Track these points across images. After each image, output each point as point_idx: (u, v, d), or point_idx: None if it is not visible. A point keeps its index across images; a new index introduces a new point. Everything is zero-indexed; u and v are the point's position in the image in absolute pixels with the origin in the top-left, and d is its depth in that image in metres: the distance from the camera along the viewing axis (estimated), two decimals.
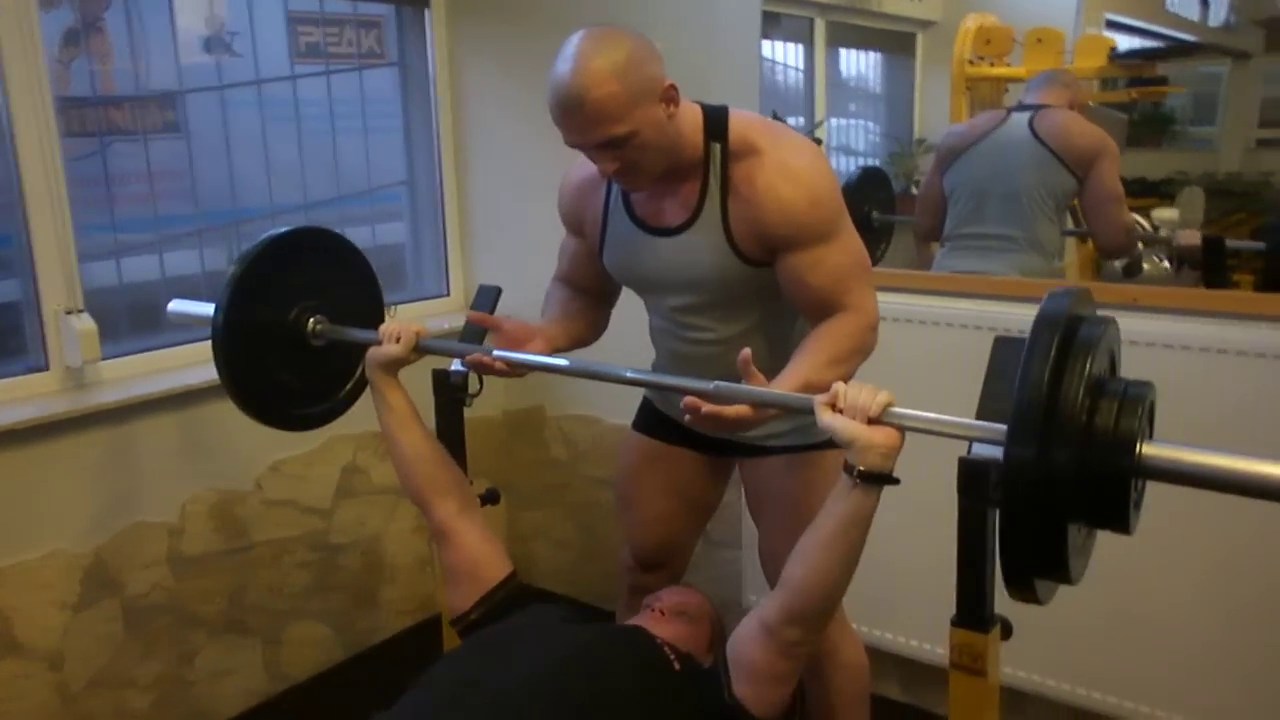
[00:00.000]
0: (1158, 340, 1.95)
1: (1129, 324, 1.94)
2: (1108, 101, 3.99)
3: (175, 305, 1.97)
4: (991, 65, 3.50)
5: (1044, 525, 1.13)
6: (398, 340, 1.72)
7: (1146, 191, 3.40)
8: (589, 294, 1.85)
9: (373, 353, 1.74)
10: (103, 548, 2.19)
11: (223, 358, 1.76)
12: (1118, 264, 3.28)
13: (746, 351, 1.42)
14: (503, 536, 3.10)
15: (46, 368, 2.15)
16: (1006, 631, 1.45)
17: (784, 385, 1.48)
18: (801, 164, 1.54)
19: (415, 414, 1.75)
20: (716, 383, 1.44)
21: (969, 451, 1.44)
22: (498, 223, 2.96)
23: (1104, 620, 2.07)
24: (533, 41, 2.74)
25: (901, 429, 1.31)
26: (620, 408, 2.28)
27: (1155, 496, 1.94)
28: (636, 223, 1.65)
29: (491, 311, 2.10)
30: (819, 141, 4.06)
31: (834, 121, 4.54)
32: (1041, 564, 1.17)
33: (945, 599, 1.44)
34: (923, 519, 1.87)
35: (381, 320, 1.90)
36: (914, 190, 4.78)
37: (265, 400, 1.85)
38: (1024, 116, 2.80)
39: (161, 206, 2.43)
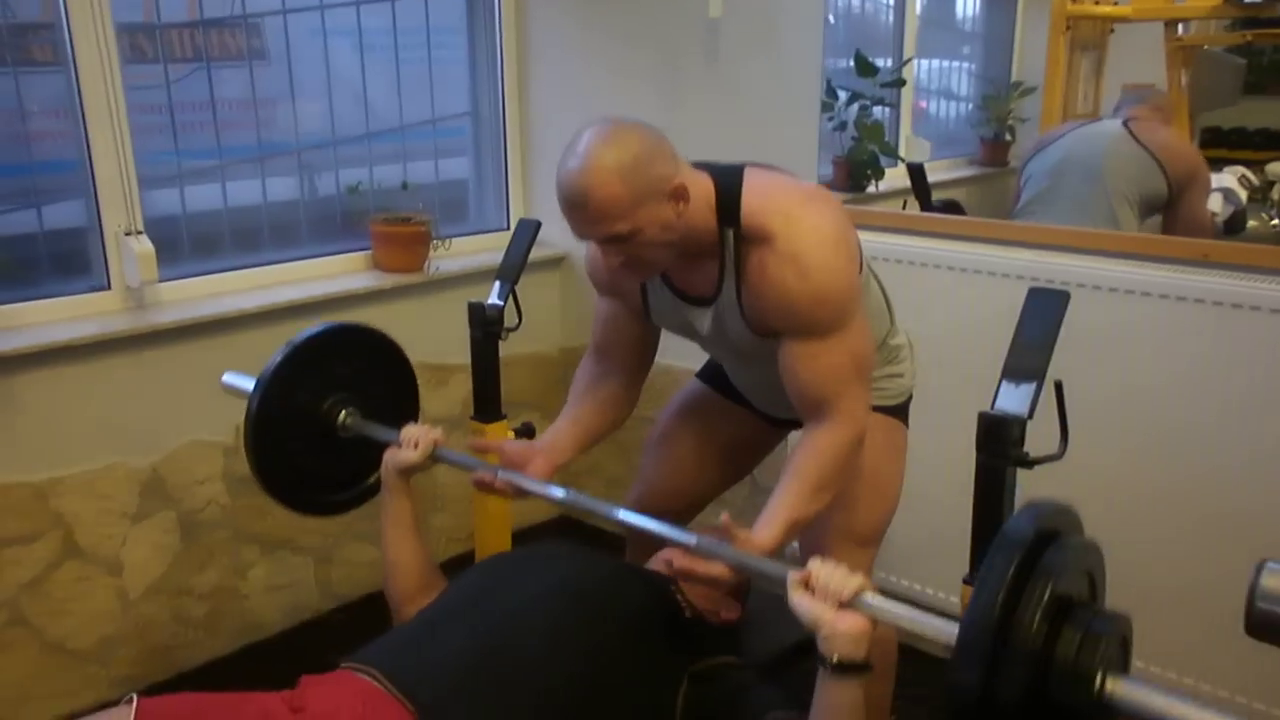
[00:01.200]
0: (1227, 300, 1.82)
1: (1198, 281, 1.86)
2: (1222, 45, 3.74)
3: (227, 377, 1.97)
4: (1096, 3, 3.31)
5: None
6: (415, 447, 1.73)
7: (1271, 143, 3.18)
8: (621, 369, 1.80)
9: (389, 455, 1.75)
10: (160, 463, 2.28)
11: (252, 442, 1.78)
12: (1219, 219, 3.10)
13: (725, 516, 1.41)
14: (555, 473, 3.13)
15: (108, 287, 2.24)
16: None
17: (771, 527, 1.46)
18: (813, 257, 1.45)
19: (414, 522, 1.75)
20: (698, 537, 1.42)
21: (992, 405, 1.39)
22: (558, 157, 2.93)
23: (1138, 588, 1.98)
24: None
25: (872, 619, 1.23)
26: (676, 349, 2.26)
27: (1196, 465, 1.84)
28: (675, 292, 1.63)
29: (529, 247, 2.11)
30: (902, 83, 3.90)
31: (925, 62, 4.36)
32: None
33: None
34: (966, 475, 1.81)
35: (414, 415, 1.91)
36: (1006, 137, 4.58)
37: (290, 485, 1.86)
38: (1117, 119, 2.70)
39: (232, 135, 2.47)
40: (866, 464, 1.62)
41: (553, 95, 2.90)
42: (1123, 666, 1.08)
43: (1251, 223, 2.97)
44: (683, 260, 1.55)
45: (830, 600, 1.23)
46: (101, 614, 2.24)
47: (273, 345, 2.40)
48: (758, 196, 1.50)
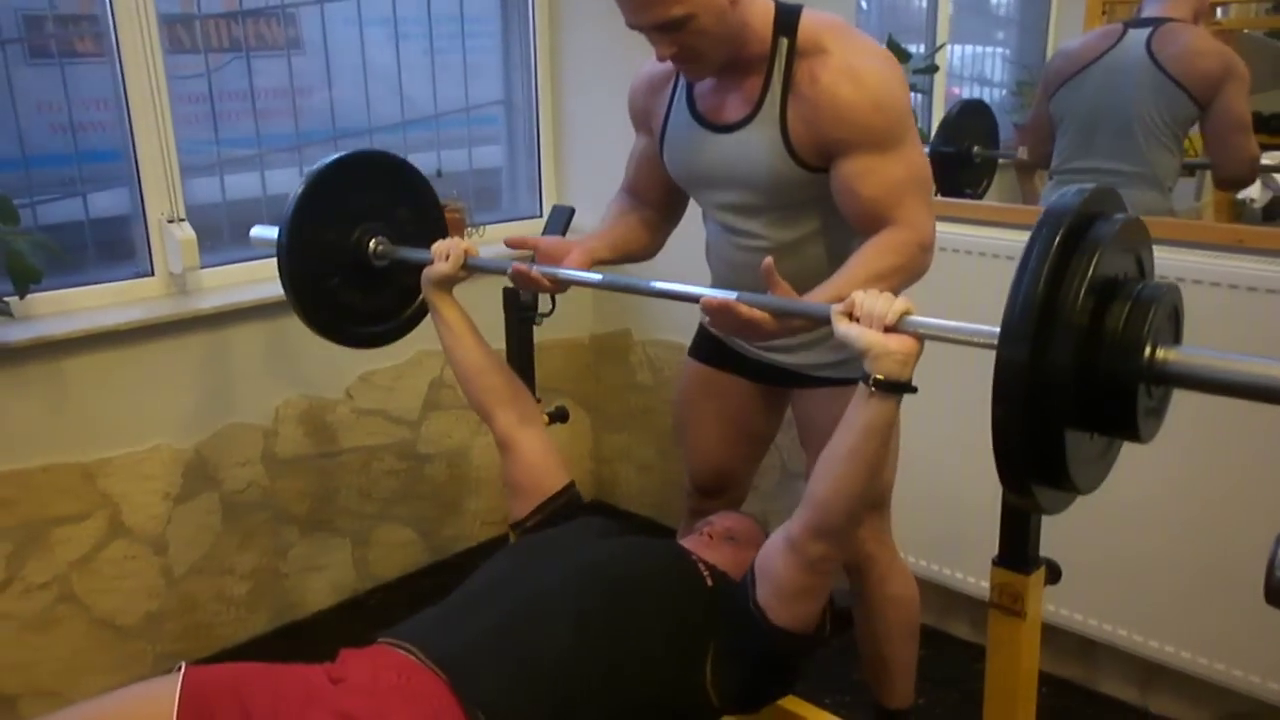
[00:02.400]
0: (1261, 285, 1.81)
1: (1233, 266, 1.85)
2: (1264, 29, 3.68)
3: (256, 231, 2.01)
4: None
5: (1039, 430, 1.07)
6: (447, 258, 1.76)
7: None
8: (650, 205, 1.83)
9: (426, 271, 1.79)
10: (202, 444, 2.34)
11: (287, 276, 1.81)
12: (1257, 204, 3.05)
13: (769, 260, 1.39)
14: (587, 458, 3.17)
15: (152, 273, 2.29)
16: (1055, 575, 1.41)
17: (820, 291, 1.44)
18: (869, 66, 1.47)
19: (471, 327, 1.80)
20: (739, 294, 1.42)
21: None
22: (591, 144, 2.96)
23: (1182, 573, 1.98)
24: None
25: (919, 337, 1.27)
26: (684, 329, 2.27)
27: (1196, 430, 1.83)
28: (697, 117, 1.63)
29: (564, 233, 2.13)
30: (935, 69, 3.88)
31: (958, 48, 4.33)
32: (1039, 470, 1.11)
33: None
34: (983, 453, 1.82)
35: (442, 235, 1.93)
36: None
37: (330, 318, 1.90)
38: (1141, 35, 2.57)
39: (267, 124, 2.52)
40: None
41: (585, 83, 2.92)
42: (1174, 337, 1.11)
43: None
44: (723, 78, 1.56)
45: (876, 324, 1.26)
46: (147, 591, 2.30)
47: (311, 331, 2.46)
48: (814, 18, 1.53)
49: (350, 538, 2.66)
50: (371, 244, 1.87)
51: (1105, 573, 2.04)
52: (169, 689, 1.28)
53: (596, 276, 1.66)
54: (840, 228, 1.62)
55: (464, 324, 1.80)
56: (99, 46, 2.18)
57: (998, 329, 1.11)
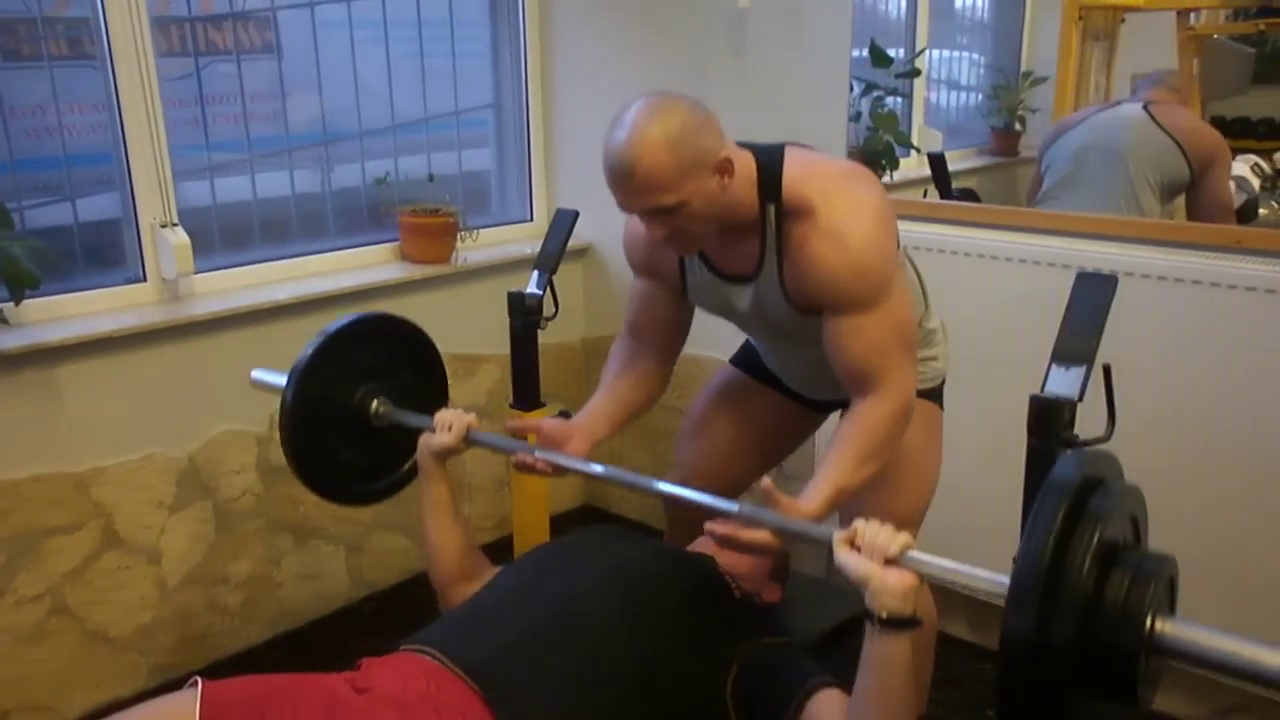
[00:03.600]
0: (1260, 285, 1.84)
1: (1231, 267, 1.88)
2: (1233, 34, 3.75)
3: (256, 374, 1.98)
4: None
5: (1043, 696, 1.09)
6: (449, 430, 1.74)
7: (1273, 133, 3.20)
8: (655, 348, 1.81)
9: (424, 440, 1.77)
10: (195, 453, 2.30)
11: (287, 430, 1.79)
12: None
13: (767, 481, 1.41)
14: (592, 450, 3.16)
15: (144, 279, 2.25)
16: None
17: (816, 495, 1.46)
18: (853, 231, 1.47)
19: (453, 506, 1.77)
20: (740, 505, 1.43)
21: (1043, 388, 1.42)
22: (582, 148, 2.95)
23: (1193, 568, 2.01)
24: None
25: (920, 575, 1.26)
26: (698, 339, 2.26)
27: (1258, 440, 1.86)
28: (714, 271, 1.64)
29: (568, 237, 2.12)
30: (917, 73, 3.91)
31: (936, 53, 4.37)
32: None
33: (1017, 539, 1.41)
34: (993, 457, 1.84)
35: (444, 403, 1.92)
36: (1017, 127, 4.58)
37: (324, 473, 1.88)
38: (1137, 103, 2.69)
39: (254, 128, 2.49)
40: (905, 448, 1.63)
41: (576, 87, 2.91)
42: (1169, 608, 1.12)
43: (1262, 210, 2.99)
44: (723, 237, 1.56)
45: (876, 557, 1.25)
46: (140, 603, 2.26)
47: (305, 336, 2.41)
48: (798, 172, 1.51)
49: (344, 545, 2.63)
50: (374, 405, 1.86)
51: None
52: (188, 706, 1.25)
53: (600, 469, 1.65)
54: None
55: (449, 503, 1.76)
56: (87, 49, 2.14)
57: (1001, 579, 1.13)
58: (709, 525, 1.42)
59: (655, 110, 1.43)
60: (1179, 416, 1.98)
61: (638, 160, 1.41)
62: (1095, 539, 1.06)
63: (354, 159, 2.70)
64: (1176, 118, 2.63)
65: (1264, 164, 3.04)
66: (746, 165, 1.52)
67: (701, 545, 1.73)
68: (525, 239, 2.95)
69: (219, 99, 2.42)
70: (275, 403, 2.40)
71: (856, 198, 1.50)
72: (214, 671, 2.36)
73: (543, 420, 1.73)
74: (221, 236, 2.44)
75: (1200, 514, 1.97)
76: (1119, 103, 2.79)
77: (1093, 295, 1.40)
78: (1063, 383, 1.36)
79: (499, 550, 2.79)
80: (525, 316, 2.03)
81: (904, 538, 1.27)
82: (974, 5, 4.67)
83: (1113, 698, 1.13)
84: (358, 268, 2.61)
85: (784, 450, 1.98)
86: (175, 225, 2.24)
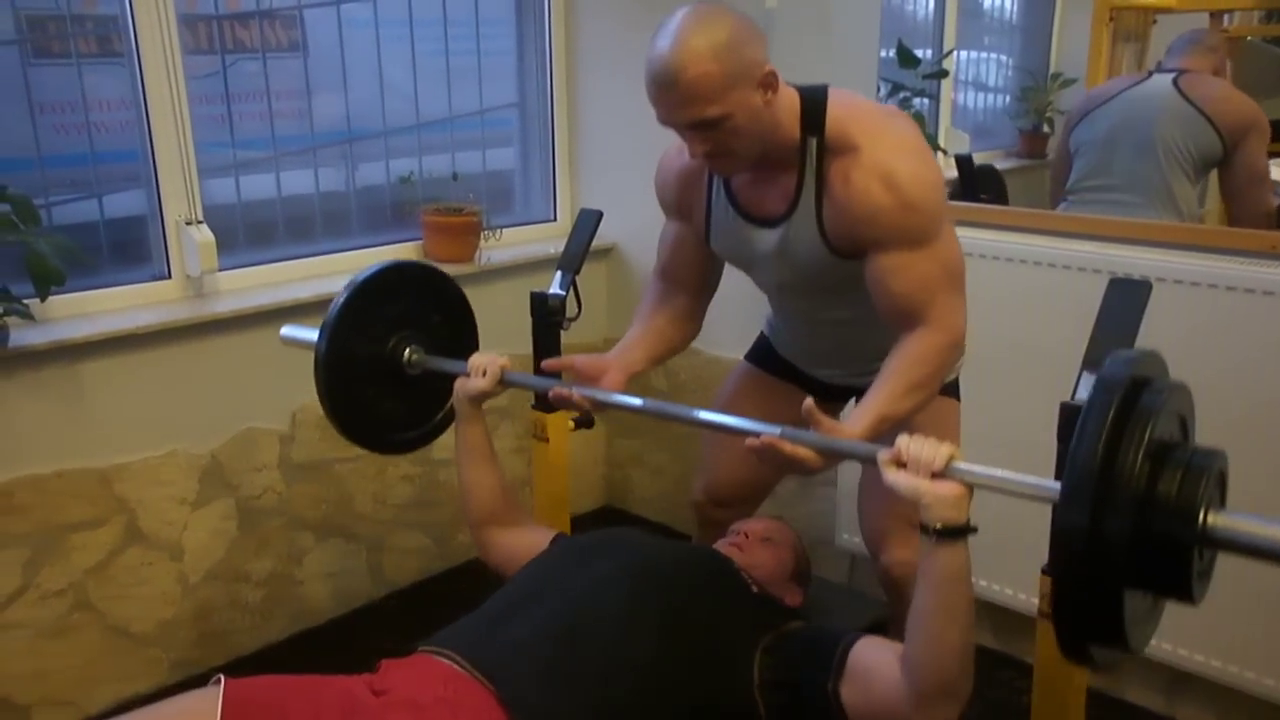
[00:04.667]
0: None
1: (1266, 272, 1.85)
2: (1267, 37, 3.70)
3: (286, 330, 2.02)
4: None
5: (1098, 592, 1.09)
6: (484, 374, 1.75)
7: None
8: (687, 289, 1.80)
9: (460, 384, 1.79)
10: (218, 450, 2.31)
11: (323, 382, 1.81)
12: None
13: (809, 401, 1.38)
14: (600, 463, 3.15)
15: (169, 276, 2.26)
16: None
17: (860, 420, 1.44)
18: (900, 166, 1.45)
19: (488, 449, 1.80)
20: (783, 428, 1.41)
21: (1073, 394, 1.39)
22: (606, 148, 2.94)
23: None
24: None
25: (967, 485, 1.26)
26: (722, 340, 2.25)
27: (1270, 449, 1.83)
28: (740, 211, 1.62)
29: (591, 236, 2.11)
30: (944, 74, 3.88)
31: (964, 54, 4.33)
32: (1096, 631, 1.13)
33: (1039, 547, 1.39)
34: (1023, 464, 1.81)
35: (475, 349, 1.93)
36: (1045, 129, 4.54)
37: (361, 424, 1.90)
38: (1167, 77, 2.62)
39: (279, 125, 2.49)
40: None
41: (602, 87, 2.90)
42: (1220, 501, 1.13)
43: None
44: (758, 174, 1.55)
45: (924, 471, 1.26)
46: (162, 598, 2.27)
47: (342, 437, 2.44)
48: (842, 111, 1.50)
49: (365, 544, 2.63)
50: (406, 353, 1.88)
51: None
52: (210, 704, 1.25)
53: (638, 402, 1.63)
54: None
55: (485, 446, 1.80)
56: (115, 47, 2.15)
57: (1052, 483, 1.14)
58: (749, 441, 1.40)
59: (701, 19, 1.40)
60: (1216, 423, 1.94)
61: (682, 70, 1.38)
62: (1147, 435, 1.07)
63: (378, 157, 2.70)
64: (1207, 89, 2.56)
65: None
66: (790, 97, 1.51)
67: (721, 547, 1.72)
68: (549, 239, 2.94)
69: (245, 97, 2.43)
70: (299, 400, 2.43)
71: (902, 136, 1.49)
72: (235, 668, 2.36)
73: (576, 357, 1.73)
74: (246, 234, 2.44)
75: None
76: (1150, 74, 2.70)
77: (1125, 301, 1.37)
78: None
79: None
80: (548, 317, 2.02)
81: (949, 449, 1.26)
82: (1003, 6, 4.63)
83: (1167, 593, 1.16)
84: None
85: None
86: (200, 223, 2.24)
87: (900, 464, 1.28)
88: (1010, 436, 2.10)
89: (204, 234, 2.22)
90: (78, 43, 2.13)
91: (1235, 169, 2.52)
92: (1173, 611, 2.01)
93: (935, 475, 1.25)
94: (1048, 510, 1.44)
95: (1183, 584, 1.10)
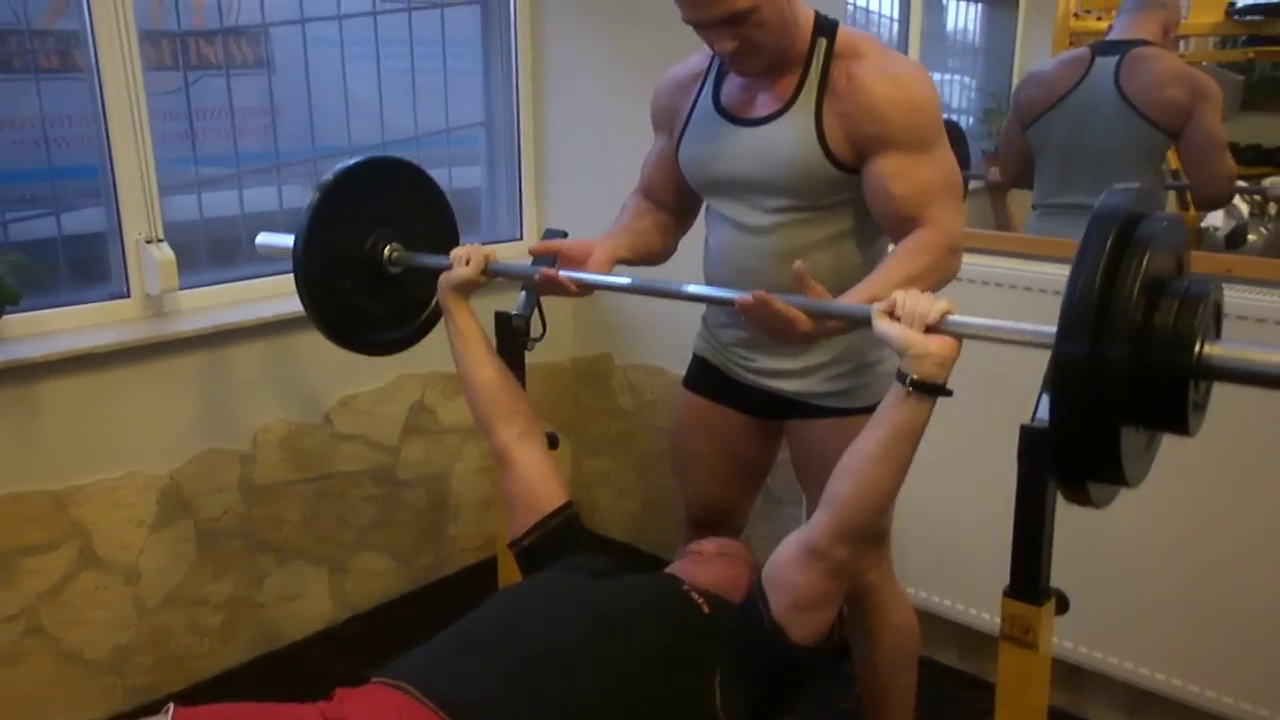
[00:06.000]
0: (1250, 314, 1.84)
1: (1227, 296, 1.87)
2: (1223, 62, 3.77)
3: (262, 238, 2.02)
4: (1099, 19, 3.32)
5: (1095, 424, 1.11)
6: (467, 263, 1.75)
7: (1262, 159, 3.21)
8: (665, 208, 1.83)
9: (444, 276, 1.78)
10: (178, 471, 2.27)
11: (303, 283, 1.81)
12: (1220, 232, 3.11)
13: (800, 264, 1.40)
14: (567, 483, 3.13)
15: (128, 295, 2.23)
16: (1063, 606, 1.40)
17: (854, 293, 1.45)
18: (905, 71, 1.52)
19: (483, 337, 1.78)
20: (776, 295, 1.41)
21: (1033, 416, 1.40)
22: (573, 167, 2.94)
23: (1166, 596, 2.00)
24: None
25: (959, 337, 1.28)
26: (687, 359, 2.24)
27: (1221, 471, 1.86)
28: (721, 112, 1.64)
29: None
30: None
31: None
32: (1094, 464, 1.15)
33: (1002, 568, 1.40)
34: (984, 486, 1.82)
35: (456, 243, 1.93)
36: None
37: (345, 325, 1.90)
38: (1109, 64, 2.56)
39: (243, 143, 2.47)
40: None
41: (568, 106, 2.90)
42: (1215, 332, 1.15)
43: (1251, 237, 2.99)
44: (756, 78, 1.58)
45: (917, 324, 1.27)
46: (118, 623, 2.22)
47: (291, 353, 2.42)
48: (851, 29, 1.58)
49: (327, 566, 2.59)
50: (386, 250, 1.88)
51: (1093, 599, 2.04)
52: None
53: (625, 280, 1.64)
54: (852, 238, 1.63)
55: (477, 332, 1.78)
56: (73, 62, 2.12)
57: (1049, 328, 1.14)
58: (740, 300, 1.41)
59: None
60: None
61: None
62: (1143, 267, 1.08)
63: None
64: (1142, 79, 2.50)
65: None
66: (805, 10, 1.56)
67: (679, 567, 1.70)
68: (515, 257, 2.91)
69: (209, 113, 2.41)
70: (261, 420, 2.41)
71: (904, 58, 1.56)
72: (192, 694, 2.32)
73: (561, 240, 1.72)
74: (208, 251, 2.41)
75: (1182, 543, 1.96)
76: (1094, 55, 2.61)
77: None
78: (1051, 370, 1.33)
79: (486, 571, 2.77)
80: (512, 337, 2.00)
81: (943, 304, 1.28)
82: (965, 29, 4.69)
83: (1164, 425, 1.17)
84: None
85: (763, 464, 1.94)
86: (160, 241, 2.22)
87: (894, 316, 1.30)
88: (970, 460, 2.13)
89: (164, 252, 2.19)
90: (38, 58, 2.10)
91: (1189, 142, 2.45)
92: (1135, 630, 2.04)
93: (929, 329, 1.27)
94: (1011, 531, 1.46)
95: (1179, 415, 1.12)
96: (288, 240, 1.85)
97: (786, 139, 1.56)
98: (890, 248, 1.68)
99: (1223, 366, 1.10)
